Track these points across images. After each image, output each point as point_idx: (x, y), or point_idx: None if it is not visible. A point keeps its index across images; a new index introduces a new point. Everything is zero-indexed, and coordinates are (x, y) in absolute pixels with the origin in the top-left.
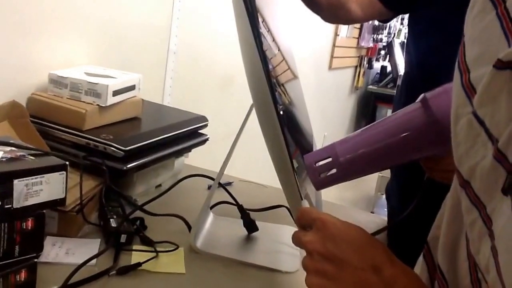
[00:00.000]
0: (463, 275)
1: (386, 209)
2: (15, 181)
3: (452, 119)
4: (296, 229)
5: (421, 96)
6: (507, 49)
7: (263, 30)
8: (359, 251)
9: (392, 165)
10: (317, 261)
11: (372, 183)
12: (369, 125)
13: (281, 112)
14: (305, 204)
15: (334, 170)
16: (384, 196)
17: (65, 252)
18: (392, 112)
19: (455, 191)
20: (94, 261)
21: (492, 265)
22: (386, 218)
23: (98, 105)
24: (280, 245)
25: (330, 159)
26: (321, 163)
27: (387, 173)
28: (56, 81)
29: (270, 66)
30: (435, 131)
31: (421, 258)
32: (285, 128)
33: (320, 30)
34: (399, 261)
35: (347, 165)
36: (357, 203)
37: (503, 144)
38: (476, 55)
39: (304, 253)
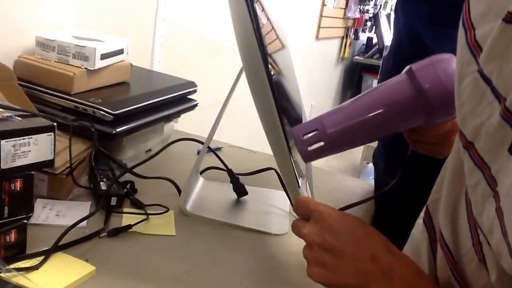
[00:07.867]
0: (464, 237)
1: (371, 177)
2: (2, 142)
3: (456, 78)
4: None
5: (407, 67)
6: None
7: None
8: (357, 241)
9: (379, 136)
10: (316, 252)
11: (358, 152)
12: (355, 97)
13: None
14: (302, 192)
15: (322, 143)
16: (369, 165)
17: (55, 214)
18: (378, 82)
19: (457, 153)
20: (84, 223)
21: (496, 226)
22: (373, 184)
23: (86, 68)
24: (269, 208)
25: (317, 132)
26: (309, 135)
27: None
28: (43, 44)
29: None
30: (420, 102)
31: (420, 221)
32: (277, 96)
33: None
34: (396, 249)
35: (334, 137)
36: (344, 171)
37: (511, 102)
38: (482, 11)
39: (292, 217)
